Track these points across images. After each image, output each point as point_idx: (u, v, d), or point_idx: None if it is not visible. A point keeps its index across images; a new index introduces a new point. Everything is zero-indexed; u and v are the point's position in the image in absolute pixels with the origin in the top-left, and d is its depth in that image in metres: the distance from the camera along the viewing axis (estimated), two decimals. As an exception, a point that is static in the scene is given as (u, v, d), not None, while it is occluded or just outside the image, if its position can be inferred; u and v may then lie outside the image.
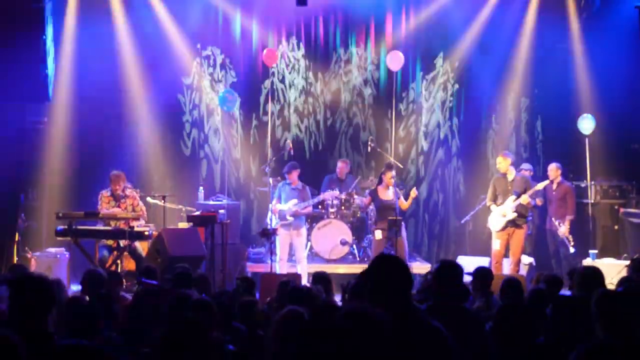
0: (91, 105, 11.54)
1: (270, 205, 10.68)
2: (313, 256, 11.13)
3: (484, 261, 10.22)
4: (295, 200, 10.27)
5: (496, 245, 9.94)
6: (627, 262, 8.59)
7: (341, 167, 11.75)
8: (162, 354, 3.48)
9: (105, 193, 9.93)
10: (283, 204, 10.30)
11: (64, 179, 11.39)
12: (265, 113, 12.33)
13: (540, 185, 10.20)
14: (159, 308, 5.24)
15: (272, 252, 9.84)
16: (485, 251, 10.65)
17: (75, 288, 9.34)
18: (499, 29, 12.27)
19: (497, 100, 12.64)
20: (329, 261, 10.94)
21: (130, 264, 9.86)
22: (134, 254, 9.68)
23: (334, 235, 11.01)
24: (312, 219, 11.27)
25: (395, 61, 11.72)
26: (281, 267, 10.15)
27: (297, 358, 3.20)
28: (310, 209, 10.62)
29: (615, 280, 6.46)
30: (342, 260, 11.11)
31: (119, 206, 9.81)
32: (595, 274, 5.41)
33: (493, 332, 4.33)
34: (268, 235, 9.88)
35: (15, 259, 9.85)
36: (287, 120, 12.59)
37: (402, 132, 12.66)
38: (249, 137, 12.54)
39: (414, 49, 12.59)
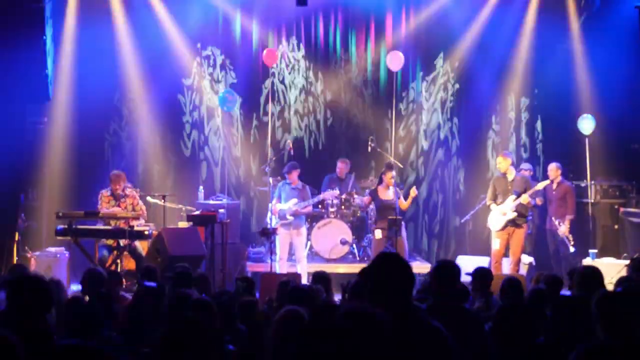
0: (91, 105, 11.55)
1: (270, 205, 10.68)
2: (313, 255, 11.14)
3: (483, 261, 10.23)
4: (295, 200, 10.27)
5: (496, 244, 9.95)
6: (627, 262, 8.59)
7: (341, 167, 11.75)
8: (162, 353, 3.48)
9: (105, 193, 9.93)
10: (283, 203, 10.30)
11: (64, 179, 11.40)
12: (266, 113, 12.33)
13: (540, 185, 10.21)
14: (159, 308, 5.24)
15: (272, 251, 9.85)
16: (485, 251, 10.65)
17: (75, 288, 9.34)
18: (499, 29, 12.26)
19: (497, 100, 12.64)
20: (328, 260, 10.95)
21: (130, 264, 9.86)
22: (134, 253, 9.68)
23: (334, 235, 11.01)
24: (312, 219, 11.28)
25: (395, 61, 11.72)
26: (281, 266, 10.15)
27: (297, 358, 3.20)
28: (310, 209, 10.62)
29: (615, 280, 6.46)
30: (342, 259, 11.11)
31: (119, 205, 9.81)
32: (595, 274, 5.42)
33: (493, 332, 4.33)
34: (268, 234, 9.88)
35: (15, 258, 9.85)
36: (287, 121, 12.59)
37: (402, 131, 12.66)
38: (249, 137, 12.54)
39: (414, 49, 12.59)
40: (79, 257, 9.78)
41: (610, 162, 11.67)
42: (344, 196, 11.29)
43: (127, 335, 4.78)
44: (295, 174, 10.35)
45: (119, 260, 9.60)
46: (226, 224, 10.07)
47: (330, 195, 10.85)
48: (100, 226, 9.71)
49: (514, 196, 9.81)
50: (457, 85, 12.69)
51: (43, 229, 11.04)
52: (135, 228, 9.44)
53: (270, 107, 12.21)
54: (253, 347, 4.67)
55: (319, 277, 6.33)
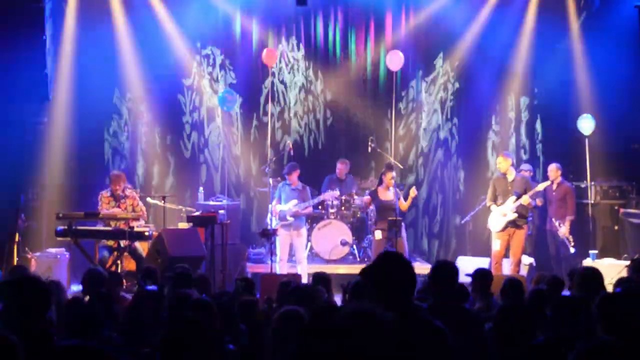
0: (91, 105, 11.55)
1: (269, 206, 10.67)
2: (313, 256, 11.14)
3: (484, 262, 10.22)
4: (295, 201, 10.27)
5: (496, 245, 9.94)
6: (627, 263, 8.58)
7: (340, 167, 11.75)
8: (162, 354, 3.47)
9: (105, 193, 9.92)
10: (283, 204, 10.30)
11: (64, 179, 11.40)
12: (265, 113, 12.32)
13: (541, 186, 10.20)
14: (158, 310, 5.24)
15: (272, 252, 9.84)
16: (486, 252, 10.64)
17: (75, 288, 9.34)
18: (498, 28, 12.26)
19: (497, 100, 12.64)
20: (329, 261, 10.94)
21: (130, 264, 9.86)
22: (134, 254, 9.67)
23: (334, 236, 11.01)
24: (312, 220, 11.28)
25: (395, 61, 11.72)
26: (281, 267, 10.14)
27: (298, 358, 3.20)
28: (310, 210, 10.62)
29: (615, 281, 6.46)
30: (342, 260, 11.11)
31: (119, 206, 9.80)
32: (595, 275, 5.42)
33: (493, 332, 4.33)
34: (268, 235, 9.87)
35: (16, 259, 9.85)
36: (287, 121, 12.60)
37: (402, 130, 12.66)
38: (249, 137, 12.54)
39: (413, 49, 12.58)
40: (79, 257, 9.77)
41: (610, 163, 11.66)
42: (344, 197, 11.29)
43: (127, 336, 4.78)
44: (295, 175, 10.35)
45: (119, 261, 9.59)
46: (226, 225, 10.06)
47: (330, 196, 10.85)
48: (100, 227, 9.70)
49: (514, 197, 9.79)
50: (457, 85, 12.68)
51: (43, 230, 11.03)
52: (136, 229, 9.43)
53: (270, 107, 12.21)
54: (253, 347, 4.67)
55: (319, 278, 6.32)
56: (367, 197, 10.31)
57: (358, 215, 11.61)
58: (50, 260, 10.07)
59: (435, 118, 12.73)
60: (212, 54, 12.42)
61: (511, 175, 9.99)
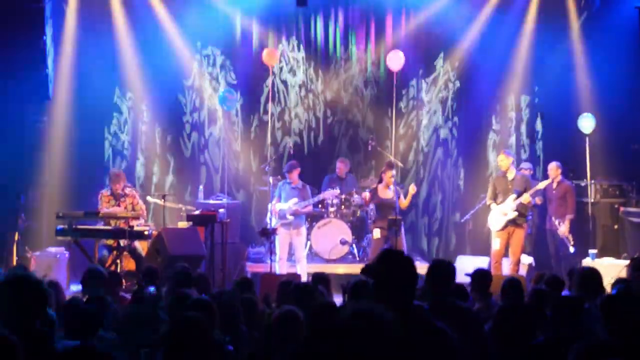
0: (91, 104, 11.55)
1: (269, 205, 10.67)
2: (313, 256, 11.13)
3: (483, 261, 10.22)
4: (295, 199, 10.26)
5: (496, 244, 9.93)
6: (627, 262, 8.58)
7: (340, 166, 11.76)
8: (162, 353, 3.48)
9: (105, 192, 9.92)
10: (283, 203, 10.30)
11: (64, 179, 11.39)
12: (266, 113, 12.32)
13: (541, 185, 10.20)
14: (157, 310, 5.24)
15: (271, 251, 9.84)
16: (485, 251, 10.64)
17: (75, 288, 9.34)
18: (499, 28, 12.26)
19: (497, 99, 12.64)
20: (328, 261, 10.95)
21: (130, 264, 9.85)
22: (133, 253, 9.67)
23: (333, 235, 11.01)
24: (312, 218, 11.27)
25: (395, 61, 11.71)
26: (281, 266, 10.14)
27: (299, 358, 3.20)
28: (310, 208, 10.61)
29: (613, 281, 6.47)
30: (341, 260, 11.11)
31: (118, 205, 9.80)
32: (594, 275, 5.43)
33: (493, 332, 4.33)
34: (268, 234, 9.87)
35: (16, 259, 9.86)
36: (287, 120, 12.60)
37: (402, 129, 12.66)
38: (249, 136, 12.54)
39: (414, 49, 12.57)
40: (79, 257, 9.77)
41: (611, 162, 11.66)
42: (344, 196, 11.29)
43: (126, 336, 4.78)
44: (295, 174, 10.35)
45: (118, 261, 9.59)
46: (226, 224, 10.06)
47: (330, 194, 10.85)
48: (100, 226, 9.71)
49: (514, 195, 9.79)
50: (457, 84, 12.68)
51: (43, 229, 11.04)
52: (135, 228, 9.44)
53: (270, 106, 12.21)
54: (253, 347, 4.67)
55: (319, 278, 6.31)
56: (365, 194, 10.30)
57: (358, 214, 11.61)
58: (50, 259, 10.07)
59: (435, 117, 12.73)
60: (212, 54, 12.42)
61: (511, 173, 9.99)
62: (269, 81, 12.19)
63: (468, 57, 12.52)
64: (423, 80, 12.70)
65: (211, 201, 11.40)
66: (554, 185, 10.85)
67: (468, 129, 12.72)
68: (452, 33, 12.46)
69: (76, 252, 9.71)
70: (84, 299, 5.54)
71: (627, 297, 4.10)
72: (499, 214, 9.87)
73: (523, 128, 12.69)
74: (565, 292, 6.10)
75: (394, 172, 10.06)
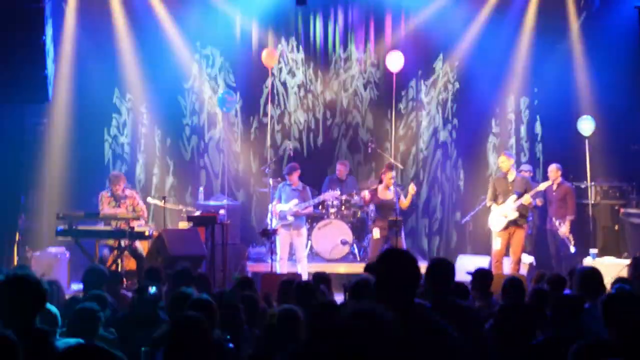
0: (91, 105, 11.55)
1: (270, 206, 10.67)
2: (313, 256, 11.14)
3: (484, 260, 10.23)
4: (296, 201, 10.27)
5: (497, 244, 9.94)
6: (628, 261, 8.58)
7: (340, 169, 11.75)
8: (162, 353, 3.48)
9: (105, 194, 9.92)
10: (283, 204, 10.30)
11: (64, 180, 11.39)
12: (265, 114, 12.32)
13: (542, 186, 10.20)
14: (157, 310, 5.24)
15: (272, 251, 9.85)
16: (486, 250, 10.65)
17: (75, 287, 9.36)
18: (498, 29, 12.25)
19: (496, 100, 12.63)
20: (329, 261, 10.95)
21: (130, 263, 9.86)
22: (134, 253, 9.68)
23: (334, 235, 11.02)
24: (313, 219, 11.28)
25: (394, 62, 11.71)
26: (281, 266, 10.15)
27: (299, 358, 3.19)
28: (310, 209, 10.62)
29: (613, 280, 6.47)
30: (342, 260, 11.12)
31: (119, 206, 9.81)
32: (594, 275, 5.43)
33: (493, 332, 4.33)
34: (268, 235, 9.88)
35: (16, 259, 9.86)
36: (287, 121, 12.59)
37: (402, 130, 12.65)
38: (249, 138, 12.54)
39: (413, 50, 12.56)
40: (79, 257, 9.78)
41: (610, 163, 11.66)
42: (344, 197, 11.29)
43: (126, 336, 4.78)
44: (295, 175, 10.35)
45: (119, 260, 9.59)
46: (226, 225, 10.07)
47: (330, 196, 10.85)
48: (100, 227, 9.71)
49: (514, 196, 9.79)
50: (457, 85, 12.68)
51: (43, 229, 11.04)
52: (136, 229, 9.44)
53: (269, 108, 12.21)
54: (255, 345, 4.67)
55: (319, 278, 6.31)
56: (364, 192, 10.29)
57: (358, 215, 11.62)
58: (50, 259, 10.08)
59: (435, 118, 12.72)
60: (211, 54, 12.41)
61: (512, 175, 9.99)
62: (269, 82, 12.19)
63: (467, 58, 12.51)
64: (422, 82, 12.69)
65: (211, 202, 11.39)
66: (554, 187, 10.85)
67: (467, 130, 12.70)
68: (451, 34, 12.45)
69: (76, 252, 9.72)
70: (85, 298, 5.54)
71: (627, 297, 4.10)
72: (500, 215, 9.87)
73: (522, 130, 12.69)
74: (566, 291, 6.10)
75: (393, 173, 10.07)
